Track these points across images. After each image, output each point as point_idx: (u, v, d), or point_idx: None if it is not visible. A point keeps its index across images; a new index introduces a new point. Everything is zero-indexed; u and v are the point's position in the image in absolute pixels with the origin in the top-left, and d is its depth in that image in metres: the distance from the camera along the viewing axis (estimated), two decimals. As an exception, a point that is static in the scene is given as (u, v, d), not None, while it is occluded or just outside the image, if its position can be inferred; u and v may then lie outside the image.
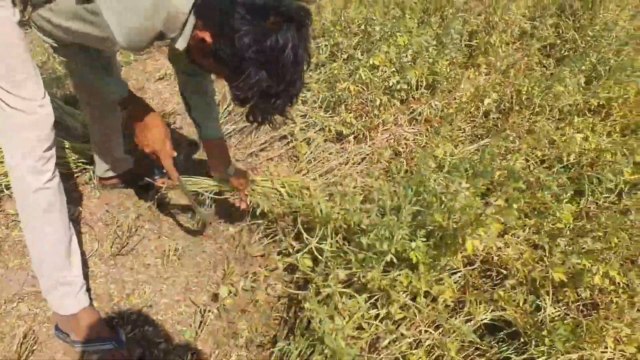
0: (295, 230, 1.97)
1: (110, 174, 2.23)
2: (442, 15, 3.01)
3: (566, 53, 2.97)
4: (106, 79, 1.58)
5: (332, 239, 1.82)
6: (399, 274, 1.69)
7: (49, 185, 1.56)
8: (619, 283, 1.58)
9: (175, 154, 1.67)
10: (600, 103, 2.49)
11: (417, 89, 2.63)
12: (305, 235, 1.86)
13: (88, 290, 1.81)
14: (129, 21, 1.20)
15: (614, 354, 1.46)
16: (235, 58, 1.22)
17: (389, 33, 2.70)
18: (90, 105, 1.96)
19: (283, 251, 2.04)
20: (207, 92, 1.82)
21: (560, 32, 3.11)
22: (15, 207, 1.64)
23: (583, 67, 2.66)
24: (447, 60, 2.70)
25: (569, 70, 2.61)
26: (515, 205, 1.61)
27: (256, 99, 1.29)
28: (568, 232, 1.81)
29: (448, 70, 2.69)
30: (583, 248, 1.71)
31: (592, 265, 1.60)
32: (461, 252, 1.75)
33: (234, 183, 1.91)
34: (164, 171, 1.71)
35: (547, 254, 1.75)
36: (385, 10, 2.95)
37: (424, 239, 1.71)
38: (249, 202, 1.95)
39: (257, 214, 1.99)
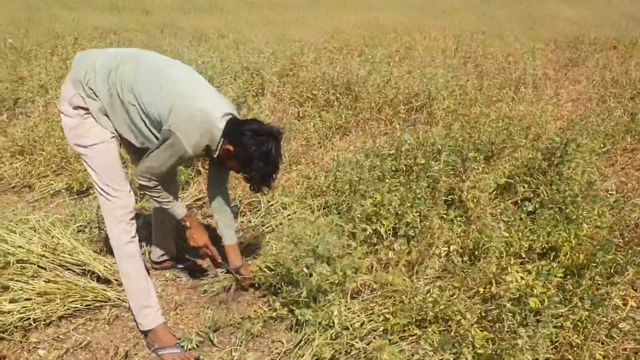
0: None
1: (164, 258, 3.16)
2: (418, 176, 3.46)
3: (537, 206, 3.29)
4: (176, 203, 2.57)
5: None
6: None
7: (133, 240, 2.53)
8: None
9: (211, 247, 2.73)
10: (549, 246, 2.78)
11: (386, 238, 3.02)
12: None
13: None
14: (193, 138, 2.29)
15: None
16: (247, 157, 2.37)
17: (366, 191, 3.19)
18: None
19: None
20: (225, 194, 2.85)
21: (532, 187, 3.47)
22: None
23: (542, 216, 2.98)
24: (416, 211, 3.09)
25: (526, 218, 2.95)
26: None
27: (257, 179, 2.45)
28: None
29: (418, 221, 3.07)
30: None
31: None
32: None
33: (243, 272, 2.88)
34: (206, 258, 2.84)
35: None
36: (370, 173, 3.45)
37: None
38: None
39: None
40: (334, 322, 2.36)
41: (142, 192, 3.02)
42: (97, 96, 2.35)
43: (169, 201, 2.53)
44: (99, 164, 2.42)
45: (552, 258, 2.77)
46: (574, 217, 2.97)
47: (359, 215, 3.08)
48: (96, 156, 2.41)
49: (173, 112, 2.26)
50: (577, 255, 2.70)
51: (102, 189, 2.43)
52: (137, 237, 2.55)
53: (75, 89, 2.35)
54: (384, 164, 3.41)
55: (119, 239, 2.49)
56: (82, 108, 2.36)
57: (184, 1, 22.93)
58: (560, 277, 2.48)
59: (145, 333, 2.60)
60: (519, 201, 3.48)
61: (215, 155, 2.43)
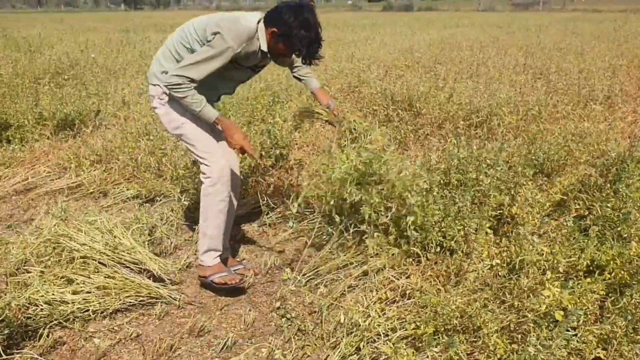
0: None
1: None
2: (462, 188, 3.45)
3: (590, 224, 3.19)
4: (207, 105, 2.83)
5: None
6: None
7: (225, 200, 3.01)
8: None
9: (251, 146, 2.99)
10: (596, 264, 2.70)
11: (428, 250, 3.03)
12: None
13: None
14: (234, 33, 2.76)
15: None
16: (289, 29, 2.75)
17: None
18: None
19: None
20: (302, 72, 3.42)
21: (587, 204, 3.36)
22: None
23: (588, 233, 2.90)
24: (460, 226, 3.08)
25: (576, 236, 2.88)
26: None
27: (304, 48, 2.81)
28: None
29: (462, 234, 3.06)
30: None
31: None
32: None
33: (333, 108, 3.36)
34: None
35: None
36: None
37: None
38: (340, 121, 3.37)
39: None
40: (359, 324, 2.42)
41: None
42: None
43: (199, 102, 2.79)
44: (194, 135, 2.94)
45: (596, 276, 2.69)
46: (626, 235, 2.87)
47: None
48: (191, 130, 2.94)
49: (219, 20, 2.79)
50: (622, 273, 2.60)
51: (201, 157, 2.95)
52: (228, 198, 3.03)
53: (151, 82, 2.98)
54: (431, 176, 3.42)
55: (212, 196, 2.97)
56: (164, 94, 2.92)
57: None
58: (601, 295, 2.42)
59: (201, 271, 3.12)
60: (571, 218, 3.38)
61: (266, 49, 2.89)
